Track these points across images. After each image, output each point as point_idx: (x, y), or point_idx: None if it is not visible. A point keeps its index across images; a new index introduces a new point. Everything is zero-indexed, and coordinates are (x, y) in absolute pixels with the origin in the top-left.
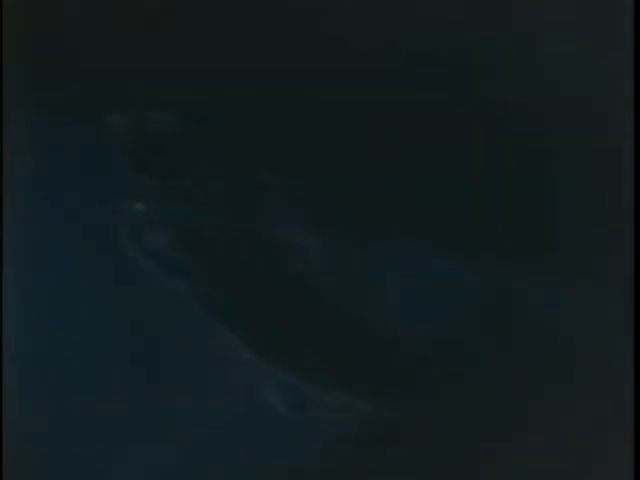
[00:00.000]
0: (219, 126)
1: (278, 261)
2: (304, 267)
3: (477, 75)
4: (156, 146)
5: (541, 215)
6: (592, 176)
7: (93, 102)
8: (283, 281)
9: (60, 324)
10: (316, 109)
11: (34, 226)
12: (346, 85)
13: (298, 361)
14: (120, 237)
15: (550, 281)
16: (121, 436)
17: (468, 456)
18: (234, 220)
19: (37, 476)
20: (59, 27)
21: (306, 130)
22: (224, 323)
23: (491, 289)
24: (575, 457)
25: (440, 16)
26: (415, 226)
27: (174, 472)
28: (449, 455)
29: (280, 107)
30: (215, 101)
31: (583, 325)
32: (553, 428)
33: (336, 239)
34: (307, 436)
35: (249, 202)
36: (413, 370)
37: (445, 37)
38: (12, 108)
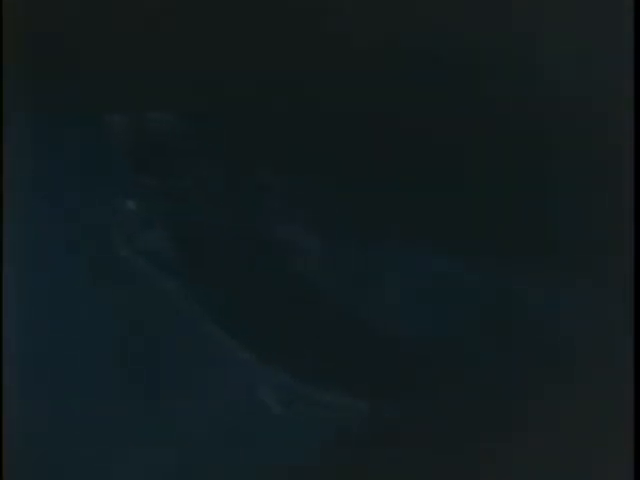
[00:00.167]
0: (219, 126)
1: (277, 261)
2: (303, 267)
3: (477, 75)
4: (156, 146)
5: (541, 215)
6: (592, 176)
7: (93, 102)
8: (282, 281)
9: (59, 323)
10: (316, 109)
11: (34, 226)
12: (346, 85)
13: (297, 361)
14: (119, 237)
15: (550, 281)
16: (119, 436)
17: (467, 456)
18: (233, 220)
19: (37, 475)
20: (59, 27)
21: (306, 130)
22: (223, 323)
23: (491, 289)
24: (575, 457)
25: (440, 16)
26: (415, 226)
27: (173, 471)
28: (448, 455)
29: (280, 107)
30: (215, 101)
31: (583, 325)
32: (553, 428)
33: (335, 239)
34: (305, 435)
35: (249, 202)
36: (412, 370)
37: (445, 37)
38: (12, 108)
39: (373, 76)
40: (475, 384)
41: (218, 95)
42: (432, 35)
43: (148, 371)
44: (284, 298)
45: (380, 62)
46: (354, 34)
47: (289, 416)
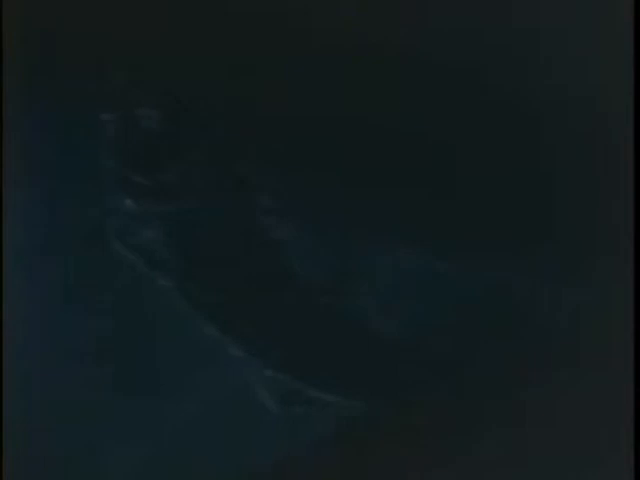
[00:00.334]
0: (209, 122)
1: (268, 258)
2: (293, 263)
3: (470, 75)
4: (147, 143)
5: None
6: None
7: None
8: (274, 278)
9: (57, 321)
10: (311, 110)
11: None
12: (339, 86)
13: (289, 358)
14: (110, 233)
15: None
16: (111, 432)
17: (466, 452)
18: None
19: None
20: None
21: (299, 130)
22: (216, 320)
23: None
24: (575, 456)
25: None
26: (409, 226)
27: (162, 466)
28: (443, 451)
29: (276, 106)
30: (207, 98)
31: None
32: (551, 426)
33: (325, 236)
34: (297, 432)
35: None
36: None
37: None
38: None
39: (370, 77)
40: (468, 379)
41: (210, 92)
42: (428, 34)
43: (144, 368)
44: (275, 294)
45: (372, 62)
46: (351, 35)
47: (278, 412)
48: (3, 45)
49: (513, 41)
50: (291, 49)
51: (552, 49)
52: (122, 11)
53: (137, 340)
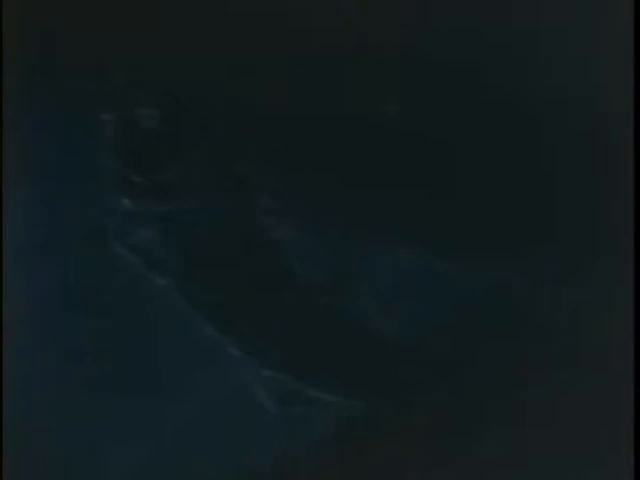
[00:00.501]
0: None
1: (268, 258)
2: (293, 263)
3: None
4: (146, 143)
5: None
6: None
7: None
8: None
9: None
10: (310, 110)
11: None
12: (339, 86)
13: (288, 358)
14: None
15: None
16: (108, 432)
17: (466, 452)
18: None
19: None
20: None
21: (299, 130)
22: (213, 320)
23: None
24: (575, 456)
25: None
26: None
27: (162, 466)
28: (441, 451)
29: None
30: (207, 98)
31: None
32: (551, 426)
33: (326, 236)
34: (297, 432)
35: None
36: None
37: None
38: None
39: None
40: (468, 379)
41: (210, 92)
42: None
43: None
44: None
45: (374, 63)
46: (352, 35)
47: (281, 413)
48: (3, 45)
49: (513, 41)
50: (291, 49)
51: (552, 49)
52: (122, 11)
53: (136, 340)
